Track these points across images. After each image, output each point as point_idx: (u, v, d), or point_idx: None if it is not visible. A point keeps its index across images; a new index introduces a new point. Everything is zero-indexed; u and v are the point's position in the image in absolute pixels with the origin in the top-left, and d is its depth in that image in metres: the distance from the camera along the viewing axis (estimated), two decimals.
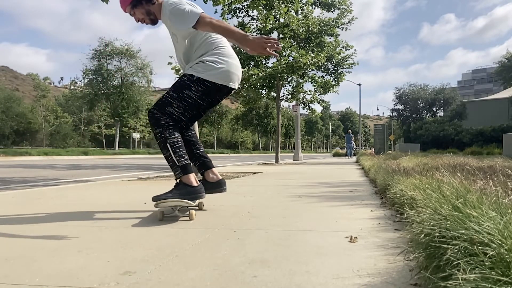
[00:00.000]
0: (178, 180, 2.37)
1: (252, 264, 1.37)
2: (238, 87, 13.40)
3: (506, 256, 0.90)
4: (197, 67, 2.39)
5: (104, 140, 54.09)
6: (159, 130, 2.34)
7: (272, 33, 12.63)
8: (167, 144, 2.33)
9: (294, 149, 19.29)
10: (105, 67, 38.87)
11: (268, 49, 2.09)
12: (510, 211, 1.18)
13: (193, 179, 2.35)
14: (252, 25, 12.48)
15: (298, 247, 1.63)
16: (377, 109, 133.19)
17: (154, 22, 2.47)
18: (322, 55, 11.54)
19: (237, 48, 12.42)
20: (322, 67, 13.63)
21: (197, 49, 2.44)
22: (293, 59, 11.57)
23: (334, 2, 13.87)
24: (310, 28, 12.40)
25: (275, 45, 2.10)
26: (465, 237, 1.04)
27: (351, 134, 27.01)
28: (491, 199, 1.36)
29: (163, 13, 2.37)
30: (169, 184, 4.80)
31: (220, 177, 2.68)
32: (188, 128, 2.65)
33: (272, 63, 11.98)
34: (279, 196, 3.46)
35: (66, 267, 1.36)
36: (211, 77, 2.37)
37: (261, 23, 11.75)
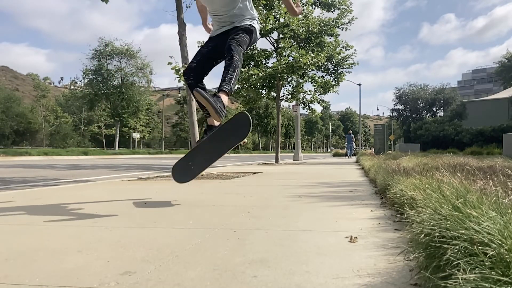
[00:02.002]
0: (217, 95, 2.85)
1: (252, 264, 1.37)
2: (238, 87, 13.32)
3: (506, 256, 0.90)
4: (254, 22, 3.05)
5: (104, 140, 54.10)
6: (238, 58, 2.85)
7: (272, 33, 12.63)
8: (237, 70, 2.81)
9: (294, 149, 19.29)
10: (105, 67, 38.92)
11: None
12: (510, 211, 1.18)
13: (228, 102, 2.84)
14: None
15: (298, 247, 1.63)
16: (377, 109, 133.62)
17: None
18: (322, 55, 11.53)
19: None
20: (322, 67, 13.61)
21: (251, 6, 3.08)
22: (293, 59, 11.56)
23: (334, 2, 13.85)
24: (310, 28, 12.39)
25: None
26: (465, 237, 1.04)
27: (352, 135, 27.09)
28: (491, 199, 1.36)
29: None
30: (170, 184, 4.81)
31: None
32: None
33: (272, 63, 11.98)
34: (279, 196, 3.46)
35: (66, 267, 1.36)
36: (257, 32, 3.12)
37: (261, 23, 11.74)
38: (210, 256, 1.48)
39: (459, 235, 1.06)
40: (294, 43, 12.72)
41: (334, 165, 11.45)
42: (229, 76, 2.76)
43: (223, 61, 2.92)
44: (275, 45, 12.91)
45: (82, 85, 42.09)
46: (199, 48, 3.17)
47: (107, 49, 38.96)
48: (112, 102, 39.93)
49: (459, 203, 1.31)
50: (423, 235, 1.20)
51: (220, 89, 2.72)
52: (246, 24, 2.99)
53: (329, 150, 41.84)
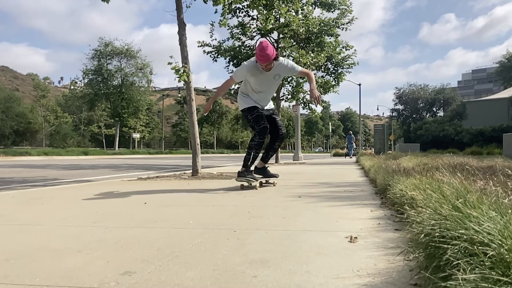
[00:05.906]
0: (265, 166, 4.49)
1: (252, 264, 1.37)
2: (238, 86, 13.41)
3: (506, 256, 0.90)
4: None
5: (104, 140, 54.07)
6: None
7: (272, 33, 12.64)
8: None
9: (294, 149, 19.29)
10: (105, 67, 38.87)
11: (312, 99, 3.86)
12: (510, 211, 1.18)
13: (261, 164, 4.58)
14: (252, 25, 12.47)
15: (298, 247, 1.63)
16: (377, 109, 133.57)
17: (271, 68, 3.98)
18: (322, 55, 11.52)
19: (237, 48, 12.43)
20: (322, 67, 13.62)
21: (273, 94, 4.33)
22: (293, 59, 11.56)
23: (334, 2, 13.85)
24: (310, 28, 12.39)
25: (316, 101, 3.86)
26: (465, 237, 1.04)
27: (352, 135, 27.20)
28: (491, 199, 1.36)
29: (282, 64, 4.03)
30: (169, 184, 4.81)
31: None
32: None
33: None
34: (279, 196, 3.46)
35: (66, 267, 1.36)
36: None
37: (261, 23, 11.74)
38: (210, 256, 1.48)
39: (459, 235, 1.06)
40: (294, 43, 12.73)
41: (334, 165, 11.45)
42: (271, 155, 4.45)
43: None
44: (275, 45, 12.91)
45: (82, 85, 42.06)
46: (256, 106, 4.14)
47: (107, 49, 38.91)
48: (112, 102, 39.89)
49: (459, 203, 1.31)
50: (423, 235, 1.20)
51: (264, 160, 4.45)
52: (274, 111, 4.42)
53: (317, 150, 41.90)
